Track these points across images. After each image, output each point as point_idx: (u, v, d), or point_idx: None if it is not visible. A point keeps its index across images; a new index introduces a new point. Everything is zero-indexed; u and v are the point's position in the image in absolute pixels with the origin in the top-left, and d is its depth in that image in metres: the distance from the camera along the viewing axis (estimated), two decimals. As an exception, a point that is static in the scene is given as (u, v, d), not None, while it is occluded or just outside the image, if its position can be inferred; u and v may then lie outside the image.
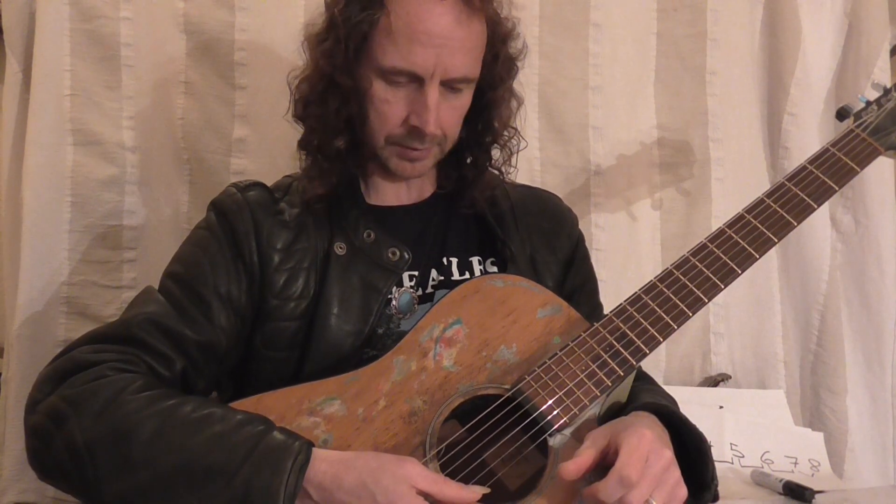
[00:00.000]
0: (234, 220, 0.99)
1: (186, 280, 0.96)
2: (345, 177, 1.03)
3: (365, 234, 1.01)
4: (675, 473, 0.79)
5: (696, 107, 1.56)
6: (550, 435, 0.83)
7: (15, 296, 1.35)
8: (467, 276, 1.04)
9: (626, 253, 1.55)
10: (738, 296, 1.55)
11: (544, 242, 1.09)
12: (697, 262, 0.92)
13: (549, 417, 0.83)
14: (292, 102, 1.04)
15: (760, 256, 0.92)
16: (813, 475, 1.31)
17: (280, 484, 0.75)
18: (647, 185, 1.56)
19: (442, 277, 1.03)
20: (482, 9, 0.95)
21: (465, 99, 0.99)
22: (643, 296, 0.90)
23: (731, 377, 1.54)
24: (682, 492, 0.79)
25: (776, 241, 0.93)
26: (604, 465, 0.78)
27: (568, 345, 0.88)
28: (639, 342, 0.87)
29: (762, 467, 1.29)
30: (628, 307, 0.90)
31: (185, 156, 1.44)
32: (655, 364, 1.52)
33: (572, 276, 1.11)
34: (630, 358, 0.86)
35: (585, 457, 0.78)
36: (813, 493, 1.09)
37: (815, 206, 0.95)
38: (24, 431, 0.84)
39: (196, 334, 0.92)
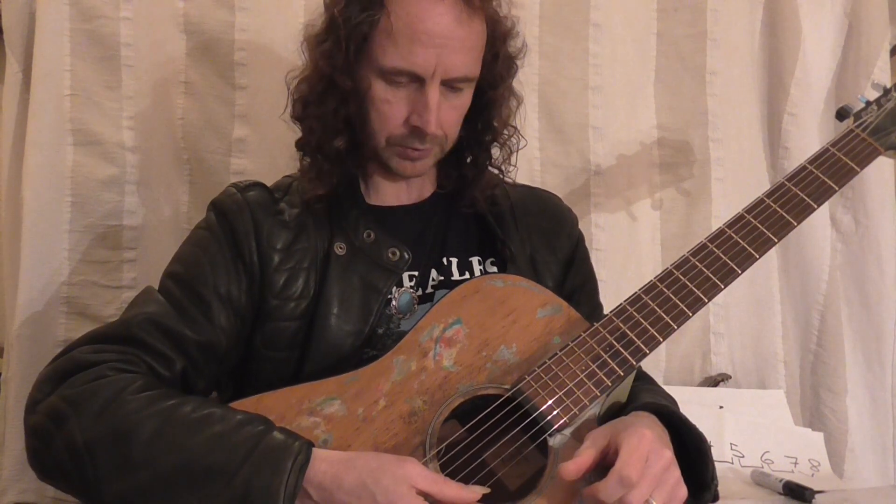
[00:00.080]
0: (234, 220, 0.98)
1: (186, 280, 0.96)
2: (345, 177, 1.03)
3: (365, 234, 1.01)
4: (675, 473, 0.79)
5: (696, 107, 1.56)
6: (550, 435, 0.83)
7: (15, 296, 1.35)
8: (467, 276, 1.04)
9: (626, 253, 1.55)
10: (738, 296, 1.55)
11: (544, 242, 1.09)
12: (697, 262, 0.92)
13: (549, 417, 0.83)
14: (290, 102, 1.04)
15: (760, 256, 0.92)
16: (813, 475, 1.31)
17: (280, 484, 0.75)
18: (647, 185, 1.56)
19: (442, 277, 1.03)
20: (482, 8, 0.95)
21: (465, 98, 0.99)
22: (643, 296, 0.90)
23: (731, 377, 1.54)
24: (682, 492, 0.79)
25: (776, 241, 0.93)
26: (604, 465, 0.78)
27: (568, 345, 0.88)
28: (639, 342, 0.87)
29: (762, 467, 1.29)
30: (628, 307, 0.90)
31: (185, 156, 1.44)
32: (655, 364, 1.52)
33: (572, 276, 1.11)
34: (630, 358, 0.86)
35: (585, 457, 0.78)
36: (813, 493, 1.09)
37: (815, 206, 0.95)
38: (24, 431, 0.84)
39: (196, 334, 0.92)
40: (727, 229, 0.94)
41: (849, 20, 1.61)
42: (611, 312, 0.90)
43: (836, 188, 0.96)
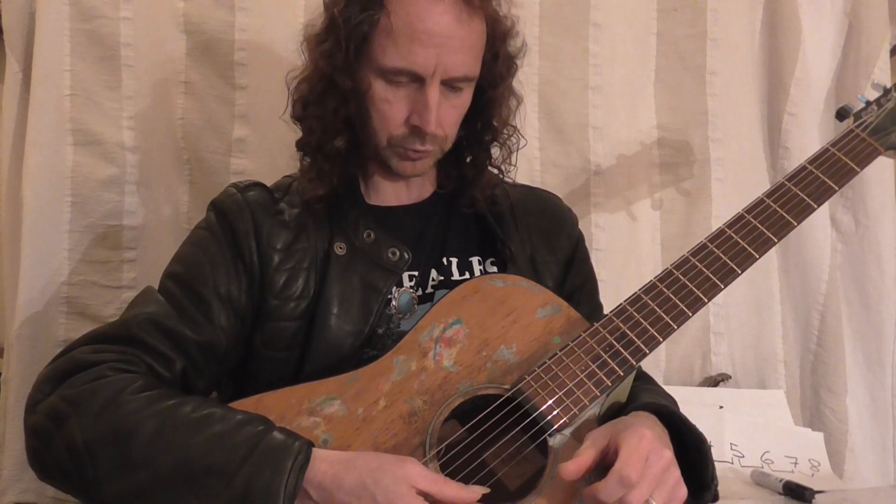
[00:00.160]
0: (234, 220, 0.98)
1: (186, 280, 0.96)
2: (345, 177, 1.03)
3: (365, 234, 1.01)
4: (675, 473, 0.79)
5: (696, 107, 1.56)
6: (550, 435, 0.83)
7: (15, 296, 1.35)
8: (467, 276, 1.04)
9: (626, 253, 1.55)
10: (738, 296, 1.55)
11: (544, 242, 1.09)
12: (697, 262, 0.92)
13: (549, 417, 0.83)
14: (290, 102, 1.04)
15: (760, 256, 0.92)
16: (813, 475, 1.31)
17: (280, 484, 0.75)
18: (647, 185, 1.56)
19: (442, 277, 1.03)
20: (482, 7, 0.95)
21: (465, 98, 0.99)
22: (643, 296, 0.90)
23: (731, 377, 1.54)
24: (682, 492, 0.79)
25: (776, 241, 0.93)
26: (604, 465, 0.78)
27: (568, 345, 0.88)
28: (639, 342, 0.87)
29: (762, 467, 1.29)
30: (628, 307, 0.90)
31: (185, 156, 1.44)
32: (655, 364, 1.52)
33: (572, 276, 1.11)
34: (630, 358, 0.86)
35: (585, 457, 0.78)
36: (813, 493, 1.09)
37: (815, 206, 0.95)
38: (24, 431, 0.84)
39: (196, 334, 0.92)
40: (727, 229, 0.94)
41: (849, 20, 1.61)
42: (611, 312, 0.90)
43: (836, 188, 0.96)
